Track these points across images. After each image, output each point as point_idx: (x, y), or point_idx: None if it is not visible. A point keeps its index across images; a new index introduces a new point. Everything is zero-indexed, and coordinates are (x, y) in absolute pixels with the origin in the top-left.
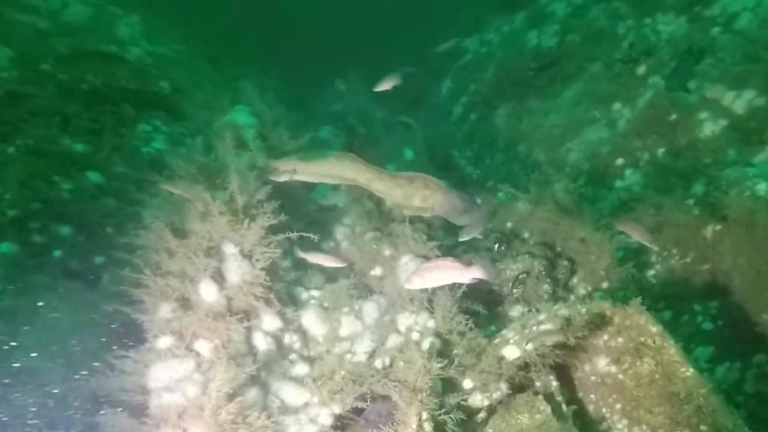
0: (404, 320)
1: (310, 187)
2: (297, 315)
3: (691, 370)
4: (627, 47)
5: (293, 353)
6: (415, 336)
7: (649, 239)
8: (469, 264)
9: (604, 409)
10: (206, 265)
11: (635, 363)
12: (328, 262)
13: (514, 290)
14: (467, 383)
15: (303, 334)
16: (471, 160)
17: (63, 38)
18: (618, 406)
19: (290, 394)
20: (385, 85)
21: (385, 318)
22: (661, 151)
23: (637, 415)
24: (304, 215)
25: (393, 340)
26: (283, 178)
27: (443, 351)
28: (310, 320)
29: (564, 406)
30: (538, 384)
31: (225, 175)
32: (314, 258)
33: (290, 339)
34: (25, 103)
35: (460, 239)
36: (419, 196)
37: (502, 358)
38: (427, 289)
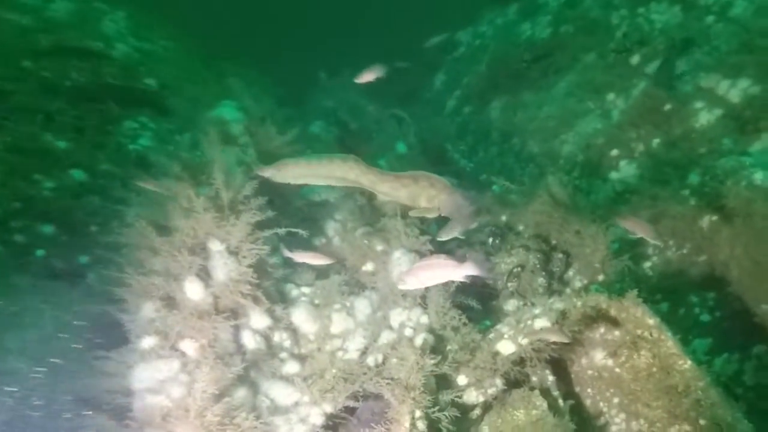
0: (397, 316)
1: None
2: (287, 312)
3: (689, 362)
4: (620, 37)
5: (283, 351)
6: (408, 332)
7: (653, 235)
8: (462, 260)
9: (601, 404)
10: (191, 262)
11: (632, 356)
12: (315, 260)
13: (509, 284)
14: (461, 379)
15: (293, 331)
16: (465, 153)
17: (46, 34)
18: (615, 400)
19: (280, 393)
20: (368, 77)
21: (378, 314)
22: (656, 141)
23: (635, 409)
24: (294, 211)
25: (385, 337)
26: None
27: (437, 347)
28: (301, 317)
29: (561, 401)
30: (534, 379)
31: (210, 170)
32: (300, 257)
33: (280, 337)
34: (5, 100)
35: (439, 239)
36: (425, 195)
37: (496, 353)
38: None
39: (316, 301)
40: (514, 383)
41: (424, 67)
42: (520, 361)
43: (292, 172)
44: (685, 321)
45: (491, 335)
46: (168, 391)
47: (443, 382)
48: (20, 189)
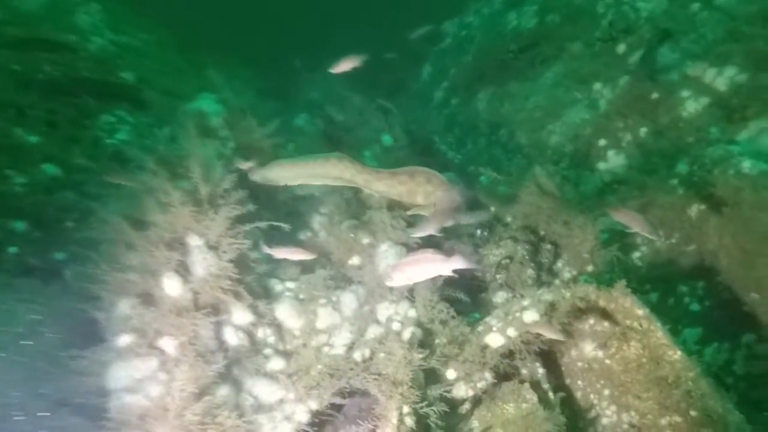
0: (384, 310)
1: None
2: (270, 308)
3: (679, 353)
4: (606, 26)
5: (268, 348)
6: (395, 326)
7: (650, 229)
8: (450, 253)
9: (592, 396)
10: (169, 258)
11: (622, 347)
12: (296, 255)
13: (498, 276)
14: (450, 373)
15: (278, 327)
16: (452, 145)
17: (16, 27)
18: (606, 392)
19: (264, 390)
20: (343, 66)
21: (364, 308)
22: (643, 130)
23: (625, 401)
24: (279, 205)
25: (372, 331)
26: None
27: (425, 341)
28: (285, 313)
29: (551, 394)
30: (523, 372)
31: (188, 164)
32: (280, 253)
33: (264, 333)
34: None
35: (413, 235)
36: (422, 192)
37: (485, 347)
38: None
39: (301, 296)
40: (503, 376)
41: (410, 58)
42: (509, 354)
43: (287, 174)
44: (674, 311)
45: (480, 328)
46: (146, 390)
47: (432, 376)
48: None
